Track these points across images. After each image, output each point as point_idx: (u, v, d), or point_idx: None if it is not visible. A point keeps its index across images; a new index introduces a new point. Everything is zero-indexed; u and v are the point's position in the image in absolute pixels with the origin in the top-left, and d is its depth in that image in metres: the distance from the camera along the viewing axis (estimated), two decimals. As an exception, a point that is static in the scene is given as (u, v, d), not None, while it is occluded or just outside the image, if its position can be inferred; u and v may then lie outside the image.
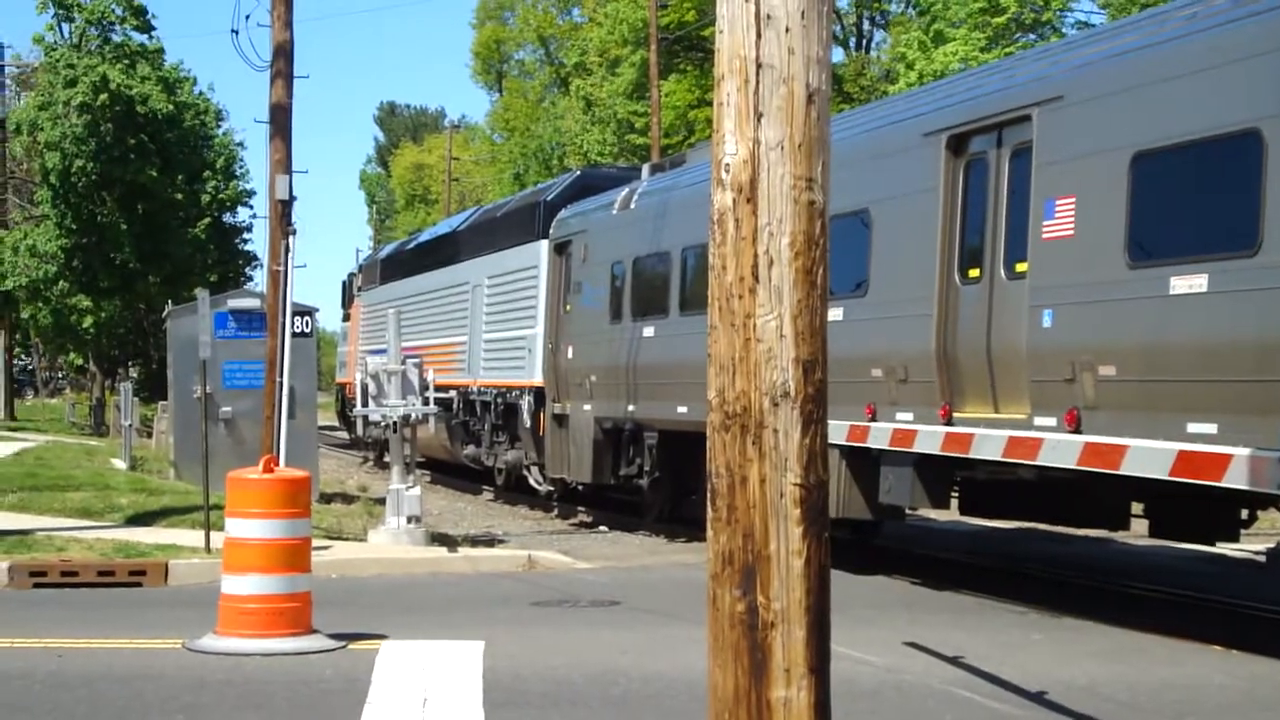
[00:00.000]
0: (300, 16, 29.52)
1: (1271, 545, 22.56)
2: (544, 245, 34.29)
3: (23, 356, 79.58)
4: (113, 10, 53.41)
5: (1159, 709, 13.58)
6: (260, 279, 36.71)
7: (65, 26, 53.81)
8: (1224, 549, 21.55)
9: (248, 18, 29.97)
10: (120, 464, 41.90)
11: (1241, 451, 14.88)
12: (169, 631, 17.13)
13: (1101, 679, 15.10)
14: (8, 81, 73.12)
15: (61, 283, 56.07)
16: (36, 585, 21.45)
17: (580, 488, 32.26)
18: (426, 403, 28.62)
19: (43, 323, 59.55)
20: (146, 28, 54.47)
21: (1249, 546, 21.87)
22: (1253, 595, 21.19)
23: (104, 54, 52.93)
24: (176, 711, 13.90)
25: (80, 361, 66.81)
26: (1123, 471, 16.69)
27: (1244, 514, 18.65)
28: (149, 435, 48.03)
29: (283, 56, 29.03)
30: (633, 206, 30.25)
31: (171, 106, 54.57)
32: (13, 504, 30.80)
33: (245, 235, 63.37)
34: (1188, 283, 16.17)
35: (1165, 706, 13.75)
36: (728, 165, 6.09)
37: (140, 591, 21.11)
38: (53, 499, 31.83)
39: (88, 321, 57.15)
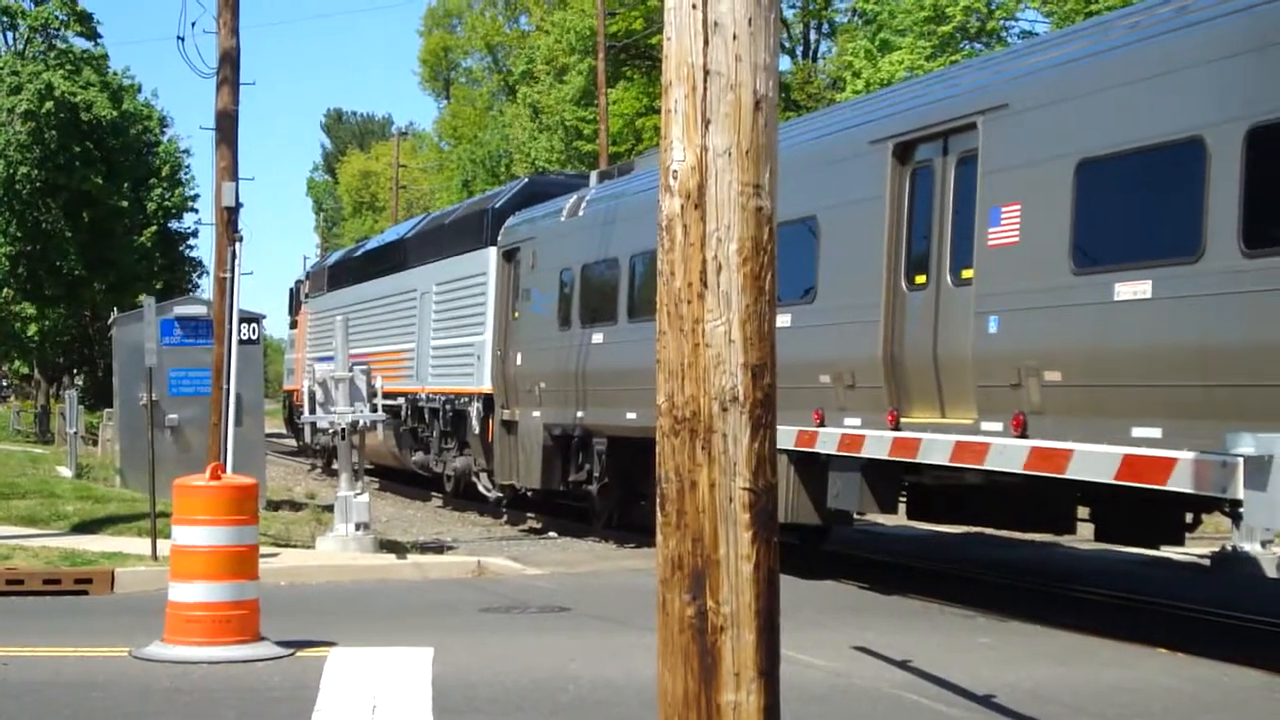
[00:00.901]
0: (246, 23, 29.55)
1: (1216, 549, 22.67)
2: (492, 252, 34.33)
3: (-30, 363, 79.47)
4: (57, 16, 53.32)
5: (1104, 712, 13.64)
6: (207, 286, 36.80)
7: (9, 34, 53.74)
8: (1169, 552, 21.69)
9: (194, 24, 30.05)
10: (66, 472, 41.83)
11: (1186, 455, 14.95)
12: (115, 640, 17.08)
13: (1048, 682, 15.16)
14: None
15: (5, 290, 56.03)
16: (-15, 593, 21.42)
17: (529, 494, 32.31)
18: (375, 410, 28.62)
19: (-10, 332, 59.50)
20: (91, 34, 54.44)
21: (1194, 550, 22.01)
22: (1197, 598, 21.31)
23: (48, 61, 52.84)
24: (117, 712, 13.92)
25: (25, 369, 66.64)
26: (1068, 475, 16.76)
27: (1189, 517, 18.74)
28: (95, 443, 47.95)
29: (229, 63, 29.00)
30: (581, 214, 30.30)
31: (116, 113, 54.52)
32: (-44, 512, 30.78)
33: (191, 242, 63.42)
34: (1132, 289, 16.26)
35: (1111, 710, 13.81)
36: (676, 172, 6.10)
37: (87, 600, 21.06)
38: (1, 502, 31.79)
39: (32, 329, 57.08)
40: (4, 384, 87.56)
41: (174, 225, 62.47)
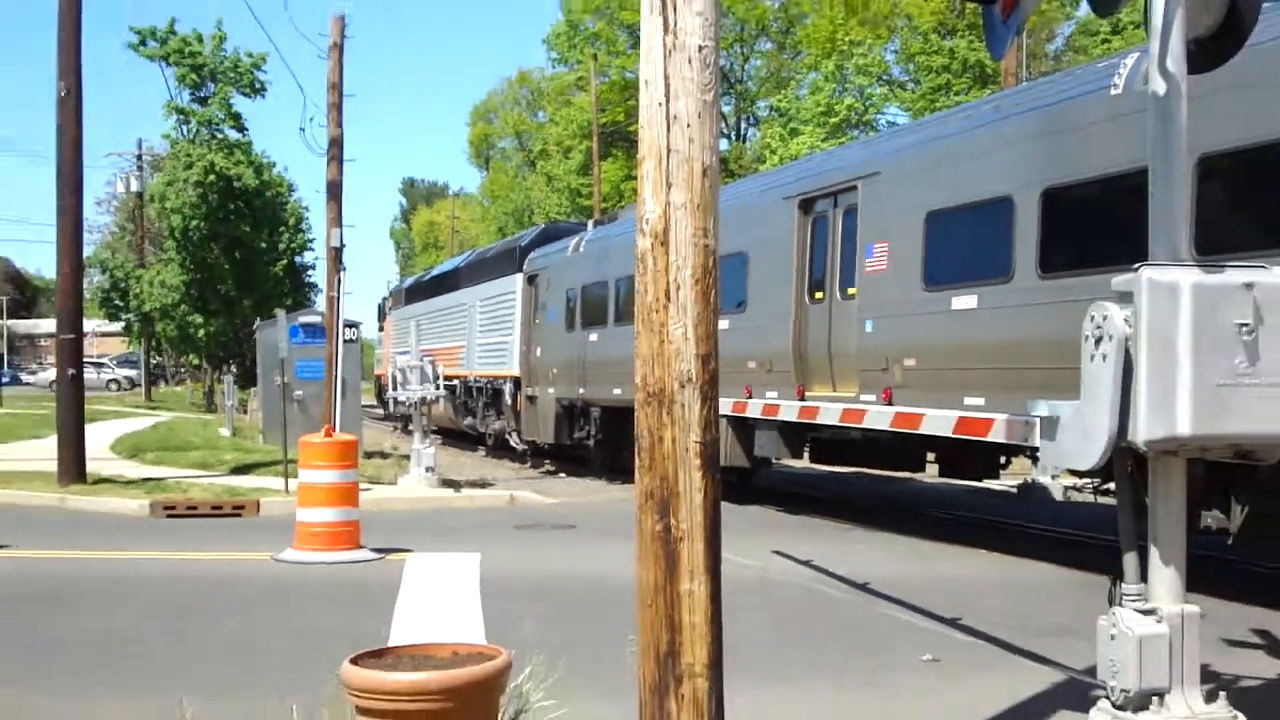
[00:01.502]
0: (346, 113, 29.54)
1: (1020, 481, 22.70)
2: (519, 277, 34.21)
3: (156, 356, 79.11)
4: (217, 115, 53.25)
5: (947, 590, 13.66)
6: (320, 302, 36.81)
7: (184, 127, 53.55)
8: (989, 484, 21.68)
9: (311, 119, 29.96)
10: (225, 432, 41.71)
11: (1000, 417, 15.05)
12: (261, 548, 17.12)
13: (906, 573, 15.23)
14: (145, 165, 72.80)
15: (182, 306, 55.87)
16: (169, 515, 21.39)
17: (546, 447, 32.19)
18: (438, 388, 28.58)
19: (170, 334, 59.15)
20: (240, 128, 54.24)
21: (1006, 482, 22.02)
22: (1009, 515, 21.38)
23: (210, 146, 52.71)
24: (265, 596, 13.94)
25: (196, 361, 66.39)
26: (921, 431, 16.83)
27: (1002, 459, 18.78)
28: (244, 412, 47.75)
29: (335, 146, 28.96)
30: (581, 250, 30.22)
31: (258, 182, 54.36)
32: (151, 459, 30.84)
33: (310, 271, 63.18)
34: (964, 301, 16.32)
35: (950, 589, 13.84)
36: (648, 220, 6.08)
37: (241, 520, 21.06)
38: (179, 454, 31.79)
39: (201, 333, 56.86)
40: (182, 371, 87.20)
41: (298, 260, 62.25)
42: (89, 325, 29.83)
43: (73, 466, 24.68)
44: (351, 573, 15.62)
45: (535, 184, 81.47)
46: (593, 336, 28.22)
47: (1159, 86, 7.25)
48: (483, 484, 27.04)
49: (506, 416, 35.48)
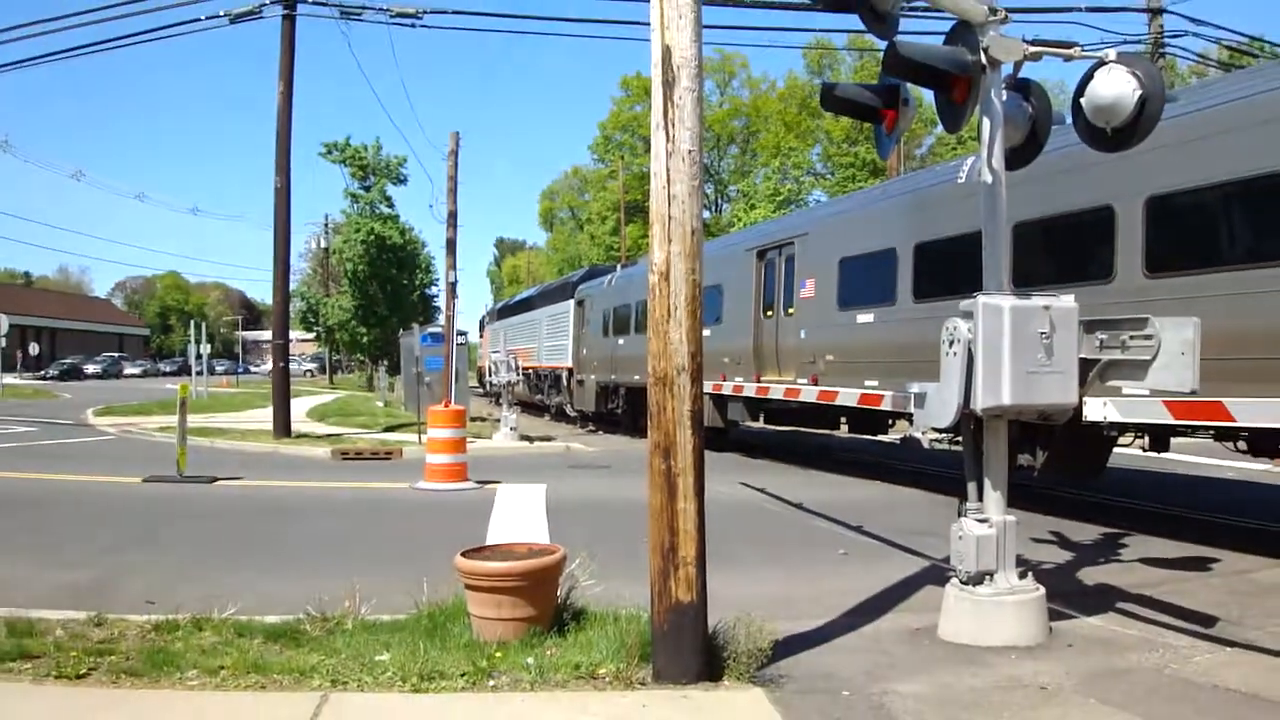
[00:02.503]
0: (458, 194, 29.66)
1: (901, 435, 22.63)
2: (571, 303, 34.16)
3: (335, 355, 79.16)
4: (375, 197, 53.37)
5: (850, 508, 13.61)
6: (441, 319, 37.03)
7: (354, 205, 53.67)
8: (881, 438, 21.60)
9: (432, 205, 30.13)
10: (380, 404, 41.67)
11: (888, 393, 15.01)
12: (402, 480, 17.06)
13: (827, 497, 15.13)
14: (329, 230, 72.99)
15: (353, 322, 55.93)
16: (344, 459, 21.37)
17: (590, 414, 32.16)
18: (518, 375, 28.61)
19: (345, 340, 59.23)
20: (390, 205, 54.45)
21: (893, 436, 21.95)
22: (894, 457, 21.33)
23: (371, 218, 52.80)
24: (406, 511, 13.96)
25: (361, 357, 66.53)
26: (837, 403, 16.75)
27: (890, 421, 18.71)
28: (392, 390, 47.77)
29: (452, 216, 28.97)
30: (612, 284, 30.19)
31: (402, 240, 54.40)
32: (332, 421, 30.74)
33: (434, 299, 63.24)
34: (865, 317, 16.28)
35: (854, 506, 13.79)
36: (655, 263, 6.09)
37: (390, 462, 21.02)
38: (350, 419, 31.71)
39: (365, 339, 56.89)
40: (352, 364, 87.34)
41: (427, 291, 62.30)
42: (292, 334, 29.89)
43: (282, 426, 24.77)
44: (462, 497, 15.60)
45: (582, 241, 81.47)
46: (621, 341, 28.20)
47: (988, 178, 7.30)
48: (547, 439, 27.01)
49: (564, 394, 35.46)
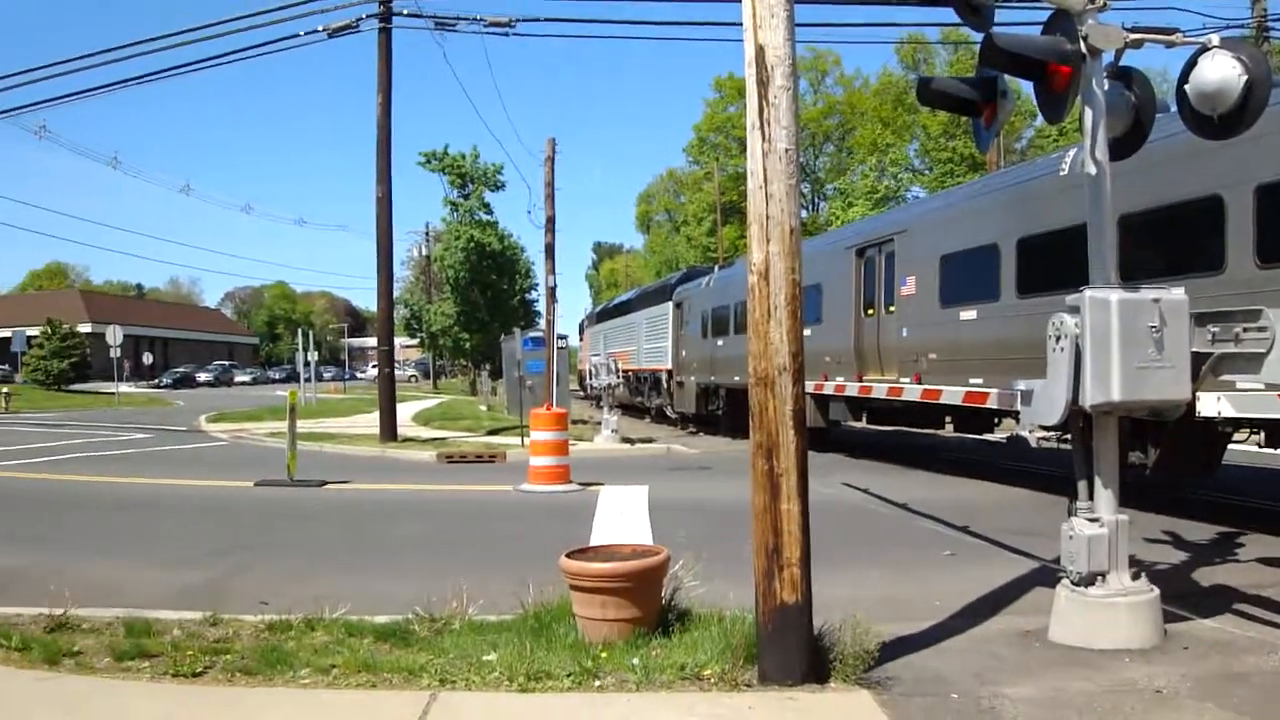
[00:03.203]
0: (559, 201, 29.83)
1: (1008, 434, 22.25)
2: (670, 305, 34.15)
3: (438, 360, 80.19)
4: (474, 205, 53.92)
5: (956, 507, 13.45)
6: (541, 323, 37.21)
7: (454, 213, 54.26)
8: (987, 437, 21.27)
9: (530, 211, 30.33)
10: (483, 408, 42.20)
11: (993, 391, 14.76)
12: (506, 483, 17.25)
13: (932, 497, 14.97)
14: (430, 238, 74.00)
15: (455, 327, 56.56)
16: (448, 462, 21.68)
17: (690, 415, 32.13)
18: (618, 378, 28.73)
19: (448, 346, 59.88)
20: (489, 211, 54.85)
21: (999, 435, 21.58)
22: (1000, 457, 20.97)
23: (471, 225, 53.34)
24: (510, 513, 14.10)
25: (464, 362, 67.35)
26: (941, 401, 16.54)
27: (996, 420, 18.40)
28: (494, 394, 48.29)
29: (550, 222, 29.17)
30: (710, 285, 30.13)
31: (501, 247, 54.85)
32: (437, 425, 31.31)
33: (534, 303, 63.66)
34: (968, 314, 16.04)
35: (959, 506, 13.62)
36: (754, 264, 6.07)
37: (493, 465, 21.27)
38: (454, 423, 32.23)
39: (467, 344, 57.48)
40: (455, 369, 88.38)
41: (527, 296, 62.64)
42: (397, 341, 30.40)
43: (388, 431, 25.20)
44: (565, 498, 15.71)
45: (679, 243, 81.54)
46: (720, 342, 28.14)
47: (1091, 169, 7.14)
48: (648, 440, 27.08)
49: (663, 395, 35.48)
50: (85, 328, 73.65)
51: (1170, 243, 11.93)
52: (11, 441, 27.03)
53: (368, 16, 23.87)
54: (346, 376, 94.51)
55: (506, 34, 24.14)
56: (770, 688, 5.96)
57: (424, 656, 6.55)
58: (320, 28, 23.10)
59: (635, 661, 6.26)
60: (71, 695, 5.96)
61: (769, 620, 6.03)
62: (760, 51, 6.02)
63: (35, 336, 62.64)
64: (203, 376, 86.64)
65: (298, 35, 23.15)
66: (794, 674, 5.99)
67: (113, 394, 54.57)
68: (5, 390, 48.52)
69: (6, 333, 65.06)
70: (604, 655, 6.39)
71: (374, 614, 7.62)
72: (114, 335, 48.28)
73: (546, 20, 24.14)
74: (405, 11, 24.30)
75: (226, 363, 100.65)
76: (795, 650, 6.01)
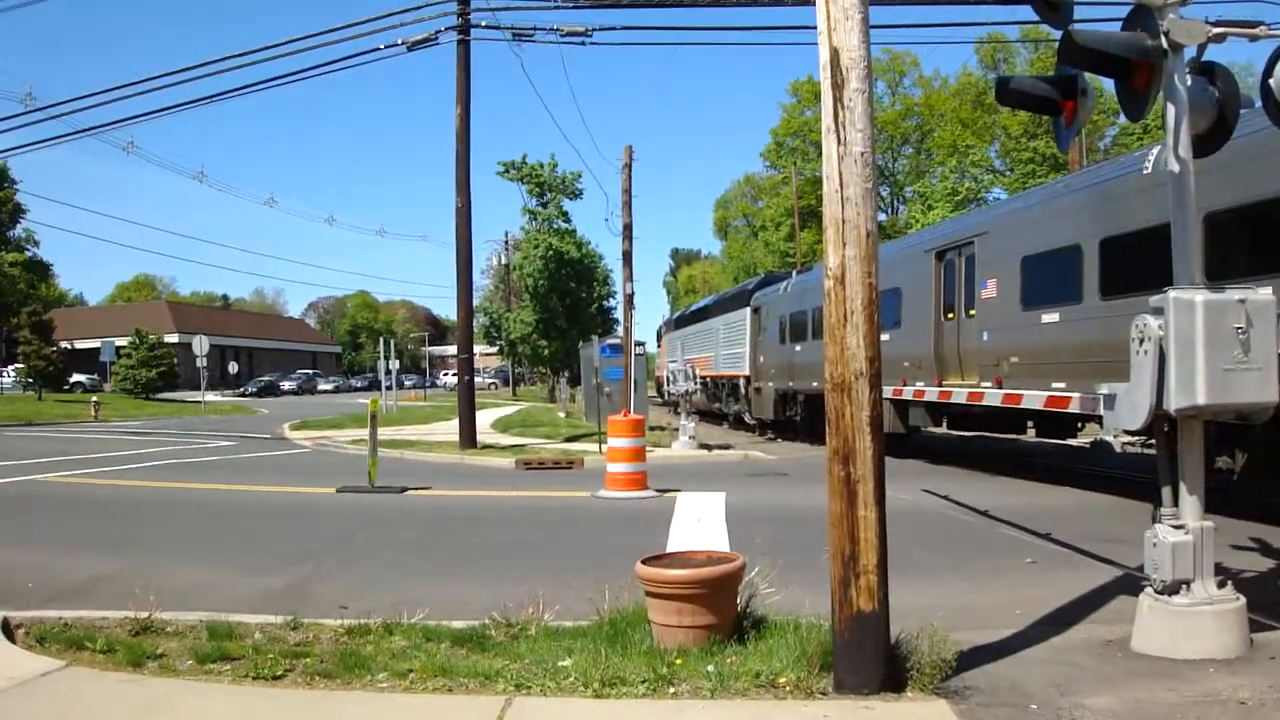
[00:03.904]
0: (636, 208, 29.87)
1: (1091, 439, 21.82)
2: (748, 310, 34.08)
3: (517, 367, 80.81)
4: (553, 213, 54.30)
5: (1037, 514, 13.24)
6: (619, 330, 37.21)
7: (533, 222, 54.73)
8: (1070, 442, 20.92)
9: (607, 219, 30.29)
10: (561, 415, 42.43)
11: (1076, 394, 14.55)
12: (584, 489, 17.33)
13: (1013, 503, 14.75)
14: (509, 246, 74.62)
15: (534, 335, 56.97)
16: (527, 468, 21.82)
17: (768, 421, 31.98)
18: (696, 384, 28.73)
19: (527, 353, 60.39)
20: (567, 220, 55.25)
21: (1083, 440, 21.17)
22: (1083, 462, 20.61)
23: (549, 233, 53.73)
24: (587, 519, 14.14)
25: (543, 369, 67.81)
26: (1022, 406, 16.34)
27: (1079, 424, 18.09)
28: (573, 401, 48.54)
29: (627, 229, 29.20)
30: (788, 290, 30.03)
31: (579, 255, 55.15)
32: (515, 432, 31.55)
33: (613, 310, 63.84)
34: (1050, 317, 15.80)
35: (1042, 513, 13.41)
36: (830, 268, 6.03)
37: (571, 471, 21.36)
38: (532, 429, 32.46)
39: (546, 352, 57.88)
40: (534, 376, 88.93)
41: (605, 303, 62.87)
42: (476, 349, 30.74)
43: (468, 438, 25.43)
44: (642, 505, 15.72)
45: (757, 248, 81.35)
46: (798, 347, 28.01)
47: (1175, 167, 7.00)
48: (726, 446, 27.00)
49: (741, 402, 35.38)
50: (172, 338, 75.68)
51: (1258, 241, 11.66)
52: (99, 449, 27.71)
53: (446, 29, 24.14)
54: (427, 384, 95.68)
55: (583, 43, 24.26)
56: (846, 696, 5.91)
57: (500, 662, 6.61)
58: (399, 41, 23.38)
59: (710, 669, 6.25)
60: (153, 697, 6.09)
61: (845, 628, 5.98)
62: (835, 54, 5.99)
63: (123, 347, 64.28)
64: (286, 385, 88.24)
65: (378, 49, 23.50)
66: (870, 682, 5.93)
67: (199, 402, 55.77)
68: (94, 399, 49.82)
69: (95, 343, 66.65)
70: (679, 662, 6.38)
71: (451, 619, 7.69)
72: (200, 345, 49.40)
73: (623, 29, 24.14)
74: (483, 24, 24.54)
75: (310, 371, 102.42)
76: (871, 658, 5.95)
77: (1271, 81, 6.93)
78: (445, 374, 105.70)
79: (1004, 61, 64.93)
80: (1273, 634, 7.19)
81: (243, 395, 79.33)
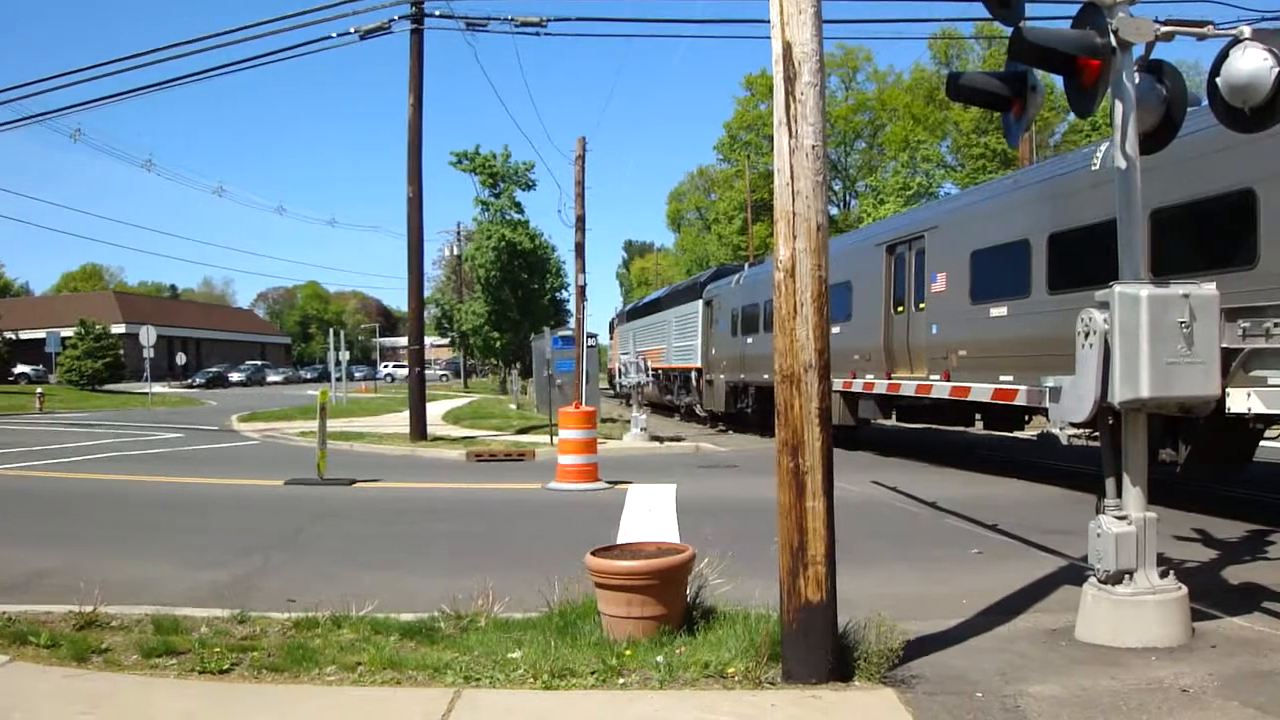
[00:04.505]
0: (589, 200, 29.83)
1: (1038, 431, 22.06)
2: (700, 303, 34.14)
3: (469, 359, 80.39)
4: (505, 204, 54.00)
5: (985, 506, 13.37)
6: (571, 322, 37.10)
7: (485, 212, 54.37)
8: (1017, 434, 21.14)
9: (560, 210, 30.43)
10: (513, 407, 42.26)
11: (1023, 387, 14.70)
12: (535, 481, 17.29)
13: (961, 494, 14.88)
14: (461, 237, 74.19)
15: (486, 327, 56.64)
16: (478, 460, 21.72)
17: (719, 414, 32.08)
18: (648, 376, 28.76)
19: (478, 345, 59.98)
20: (520, 210, 54.87)
21: (1030, 432, 21.40)
22: (1028, 453, 20.83)
23: (502, 224, 53.44)
24: (538, 511, 14.11)
25: (494, 361, 67.53)
26: (970, 398, 16.48)
27: (1026, 417, 18.28)
28: (524, 393, 48.36)
29: (580, 221, 29.21)
30: (740, 283, 30.11)
31: (532, 246, 54.85)
32: (467, 424, 31.37)
33: (565, 302, 63.60)
34: (998, 310, 15.93)
35: (988, 504, 13.54)
36: (780, 261, 6.05)
37: (523, 463, 21.30)
38: (484, 421, 32.29)
39: (498, 344, 57.57)
40: (486, 368, 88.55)
41: (557, 295, 62.58)
42: (427, 340, 30.59)
43: (418, 429, 25.28)
44: (593, 497, 15.71)
45: (710, 241, 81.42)
46: (749, 340, 28.10)
47: (1121, 163, 7.09)
48: (677, 439, 27.03)
49: (693, 394, 35.46)
50: (119, 328, 74.40)
51: (1203, 238, 11.82)
52: (44, 441, 27.31)
53: (399, 18, 23.96)
54: (377, 376, 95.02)
55: (538, 33, 24.18)
56: (794, 686, 5.94)
57: (449, 654, 6.58)
58: (352, 29, 23.19)
59: (659, 659, 6.26)
60: (98, 691, 6.01)
61: (793, 618, 6.01)
62: (787, 48, 6.01)
63: (69, 337, 63.26)
64: (235, 376, 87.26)
65: (330, 37, 23.29)
66: (818, 672, 5.97)
67: (145, 394, 55.02)
68: (39, 390, 49.05)
69: (41, 334, 65.57)
70: (628, 653, 6.39)
71: (400, 612, 7.66)
72: (147, 336, 48.66)
73: (578, 20, 24.28)
74: (437, 13, 24.39)
75: (259, 363, 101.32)
76: (819, 648, 5.99)
77: (1218, 80, 7.02)
78: (387, 366, 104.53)
79: (957, 58, 65.39)
80: (1214, 623, 7.31)
81: (190, 387, 78.35)
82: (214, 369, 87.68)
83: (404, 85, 24.72)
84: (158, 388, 61.39)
